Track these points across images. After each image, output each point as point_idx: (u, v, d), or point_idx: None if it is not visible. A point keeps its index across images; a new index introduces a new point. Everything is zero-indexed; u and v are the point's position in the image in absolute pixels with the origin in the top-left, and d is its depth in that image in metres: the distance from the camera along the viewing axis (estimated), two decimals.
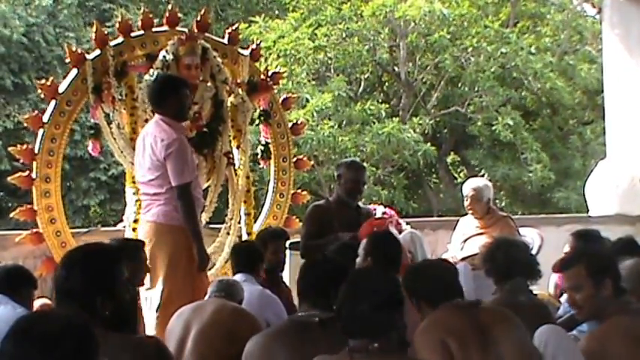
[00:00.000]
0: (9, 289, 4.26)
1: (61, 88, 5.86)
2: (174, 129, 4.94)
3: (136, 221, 5.65)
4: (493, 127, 14.30)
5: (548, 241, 6.13)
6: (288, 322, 3.37)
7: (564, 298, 5.23)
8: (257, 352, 3.17)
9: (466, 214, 6.30)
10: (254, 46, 6.56)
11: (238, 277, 4.50)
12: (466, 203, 6.16)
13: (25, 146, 5.96)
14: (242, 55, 6.39)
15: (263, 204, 6.83)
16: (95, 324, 2.45)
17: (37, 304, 4.79)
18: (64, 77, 6.09)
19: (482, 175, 14.78)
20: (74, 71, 5.86)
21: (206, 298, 4.15)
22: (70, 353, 2.04)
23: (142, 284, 4.57)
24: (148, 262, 4.59)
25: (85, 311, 2.54)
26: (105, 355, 2.26)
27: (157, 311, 4.79)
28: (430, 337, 2.98)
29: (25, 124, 6.19)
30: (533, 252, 5.78)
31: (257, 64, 6.56)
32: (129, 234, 5.75)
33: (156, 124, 4.99)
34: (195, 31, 6.02)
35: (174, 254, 4.78)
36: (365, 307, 2.54)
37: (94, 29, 6.01)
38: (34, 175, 5.81)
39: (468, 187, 6.20)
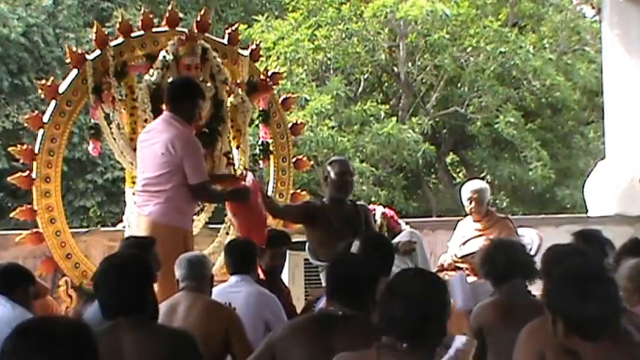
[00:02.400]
0: (6, 288, 4.24)
1: (62, 89, 5.87)
2: (186, 128, 5.05)
3: None
4: (496, 125, 14.33)
5: (547, 242, 6.12)
6: (313, 315, 3.43)
7: None
8: (280, 344, 3.22)
9: (465, 215, 6.31)
10: (254, 46, 6.57)
11: (234, 278, 4.49)
12: (469, 205, 6.16)
13: (25, 146, 5.96)
14: (242, 55, 6.40)
15: None
16: (144, 314, 2.95)
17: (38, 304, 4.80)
18: (64, 78, 6.10)
19: (484, 176, 14.81)
20: (74, 71, 5.87)
21: (179, 288, 4.10)
22: (71, 357, 2.05)
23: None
24: (158, 259, 4.57)
25: (138, 304, 2.95)
26: (150, 342, 2.84)
27: None
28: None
29: (25, 125, 6.19)
30: (533, 252, 5.79)
31: (257, 64, 6.57)
32: (128, 234, 5.75)
33: (167, 123, 5.04)
34: (195, 31, 6.03)
35: (168, 254, 4.75)
36: (403, 310, 2.56)
37: (94, 30, 6.02)
38: (34, 175, 5.82)
39: (470, 190, 6.20)
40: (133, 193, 5.71)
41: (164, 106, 5.32)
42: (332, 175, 5.45)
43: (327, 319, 3.22)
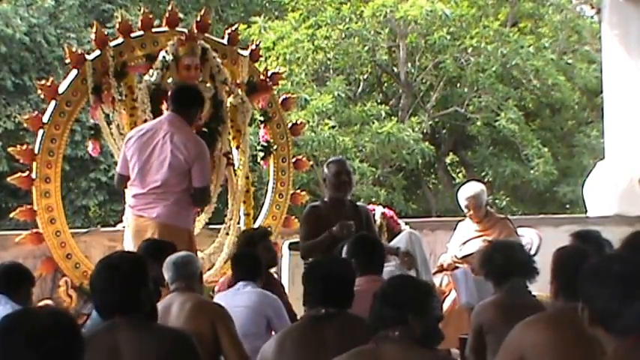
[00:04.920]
0: (8, 289, 4.25)
1: (61, 89, 5.87)
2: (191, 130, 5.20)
3: None
4: (497, 123, 14.34)
5: (546, 242, 6.13)
6: (300, 320, 3.47)
7: None
8: (272, 348, 3.24)
9: (465, 216, 6.31)
10: (253, 46, 6.58)
11: (240, 284, 4.52)
12: (466, 210, 6.18)
13: (25, 147, 5.97)
14: (241, 55, 6.40)
15: (262, 204, 6.84)
16: (139, 313, 2.92)
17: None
18: (65, 78, 6.11)
19: (484, 175, 14.81)
20: (74, 72, 5.88)
21: (170, 290, 4.11)
22: (57, 350, 2.05)
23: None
24: None
25: (131, 302, 2.92)
26: (146, 342, 2.85)
27: None
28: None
29: (25, 125, 6.20)
30: (532, 252, 5.80)
31: (256, 64, 6.57)
32: (128, 234, 5.75)
33: (174, 125, 5.08)
34: (195, 31, 6.04)
35: None
36: (389, 308, 2.77)
37: (94, 30, 6.03)
38: (33, 176, 5.83)
39: (466, 194, 6.20)
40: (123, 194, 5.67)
41: (165, 106, 5.33)
42: (329, 175, 5.45)
43: (314, 320, 3.26)
